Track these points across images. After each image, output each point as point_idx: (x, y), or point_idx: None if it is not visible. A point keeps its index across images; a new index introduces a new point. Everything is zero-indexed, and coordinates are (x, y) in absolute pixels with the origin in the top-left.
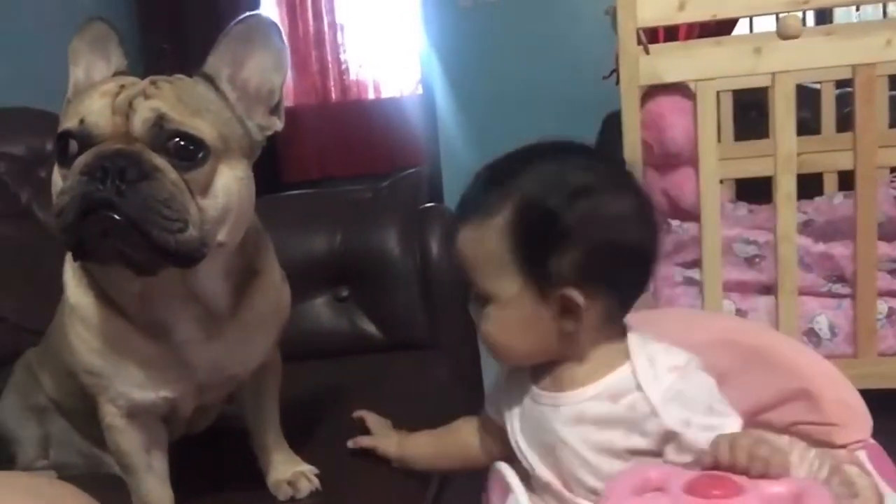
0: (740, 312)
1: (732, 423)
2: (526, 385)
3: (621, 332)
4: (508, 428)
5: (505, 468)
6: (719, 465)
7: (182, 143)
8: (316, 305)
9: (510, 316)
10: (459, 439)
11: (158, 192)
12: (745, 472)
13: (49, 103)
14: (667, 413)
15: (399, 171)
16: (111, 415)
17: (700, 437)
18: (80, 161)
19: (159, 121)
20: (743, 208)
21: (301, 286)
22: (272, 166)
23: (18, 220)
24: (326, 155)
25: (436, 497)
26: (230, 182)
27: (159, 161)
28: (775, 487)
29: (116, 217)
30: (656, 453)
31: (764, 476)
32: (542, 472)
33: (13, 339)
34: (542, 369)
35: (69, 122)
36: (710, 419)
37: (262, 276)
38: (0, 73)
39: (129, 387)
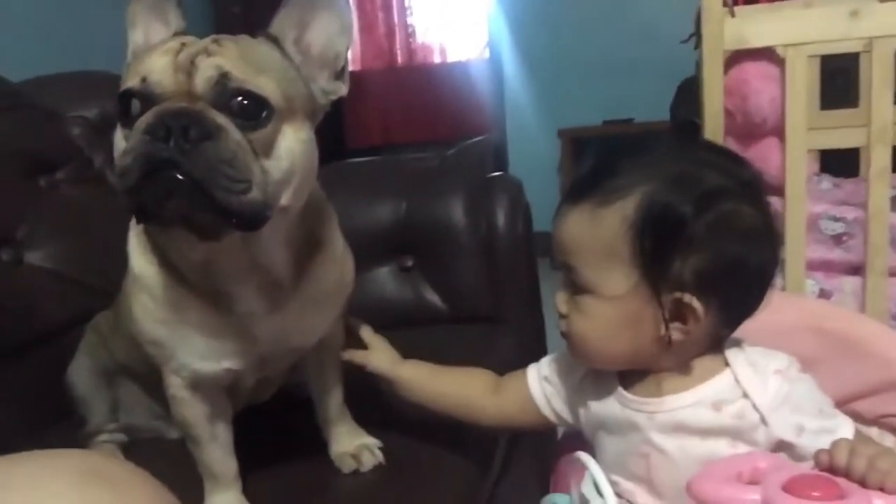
0: (824, 293)
1: (845, 424)
2: (611, 386)
3: (719, 346)
4: (575, 423)
5: (588, 459)
6: (834, 468)
7: (245, 101)
8: (380, 275)
9: (611, 312)
10: (469, 386)
11: (222, 152)
12: (861, 481)
13: (119, 67)
14: (777, 420)
15: (464, 139)
16: (175, 386)
17: (816, 443)
18: (143, 120)
19: (222, 79)
20: (827, 181)
21: (366, 255)
22: (337, 131)
23: (92, 185)
24: (390, 120)
25: (499, 476)
26: (294, 144)
27: (222, 120)
28: (879, 501)
29: (180, 177)
30: None
31: (880, 488)
32: (627, 485)
33: (88, 301)
34: (631, 372)
35: (131, 81)
36: (823, 422)
37: (324, 247)
38: (71, 38)
39: (192, 358)
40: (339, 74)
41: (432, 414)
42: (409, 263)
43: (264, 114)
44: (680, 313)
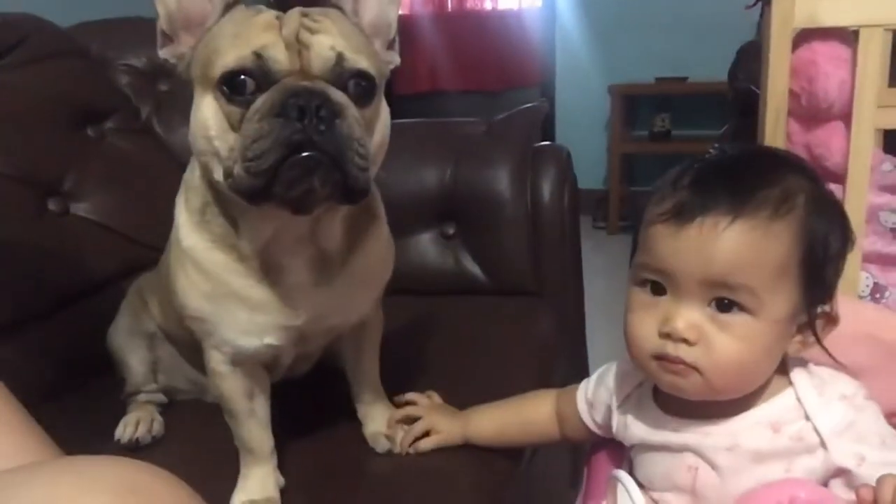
0: (878, 287)
1: None
2: (654, 411)
3: (785, 363)
4: (623, 440)
5: (627, 479)
6: (878, 503)
7: (362, 82)
8: (422, 241)
9: (769, 334)
10: (534, 417)
11: (353, 130)
12: None
13: None
14: (838, 447)
15: (513, 89)
16: (216, 361)
17: (875, 474)
18: (267, 101)
19: (340, 59)
20: (889, 163)
21: (409, 220)
22: None
23: (139, 136)
24: (438, 67)
25: (532, 456)
26: (386, 118)
27: (344, 99)
28: None
29: (318, 158)
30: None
31: None
32: (667, 496)
33: (133, 254)
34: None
35: (235, 59)
36: (887, 454)
37: (376, 221)
38: None
39: (235, 333)
40: (391, 44)
41: (466, 395)
42: (452, 231)
43: (373, 91)
44: (809, 326)
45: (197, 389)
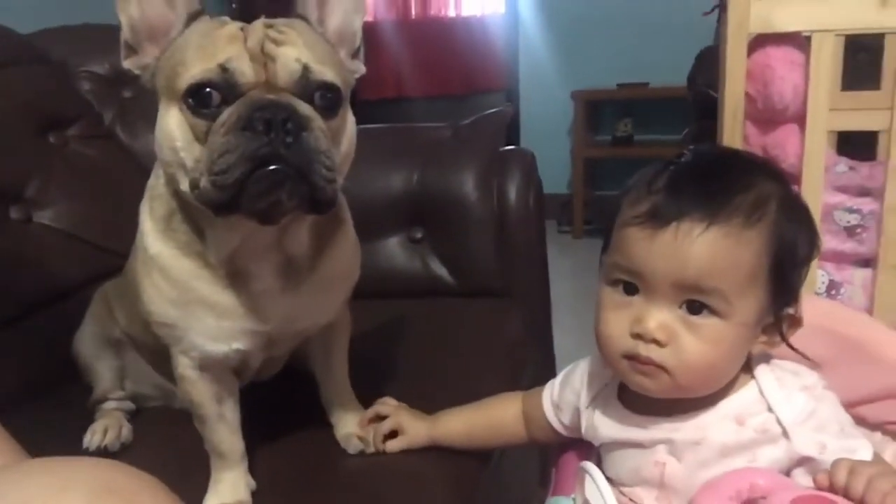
0: (833, 284)
1: (865, 446)
2: (620, 409)
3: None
4: (592, 440)
5: (594, 470)
6: (833, 487)
7: (327, 94)
8: (390, 245)
9: (736, 336)
10: (500, 419)
11: (319, 143)
12: (860, 502)
13: None
14: (800, 437)
15: (477, 94)
16: (184, 366)
17: None
18: (233, 114)
19: (305, 71)
20: (843, 165)
21: (376, 224)
22: None
23: (102, 143)
24: (403, 73)
25: (499, 457)
26: (352, 128)
27: (310, 111)
28: None
29: (286, 171)
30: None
31: None
32: (636, 490)
33: (97, 261)
34: (636, 394)
35: (201, 72)
36: (846, 442)
37: (342, 226)
38: None
39: (203, 338)
40: (355, 53)
41: (433, 396)
42: (419, 235)
43: (338, 103)
44: (775, 328)
45: (165, 396)
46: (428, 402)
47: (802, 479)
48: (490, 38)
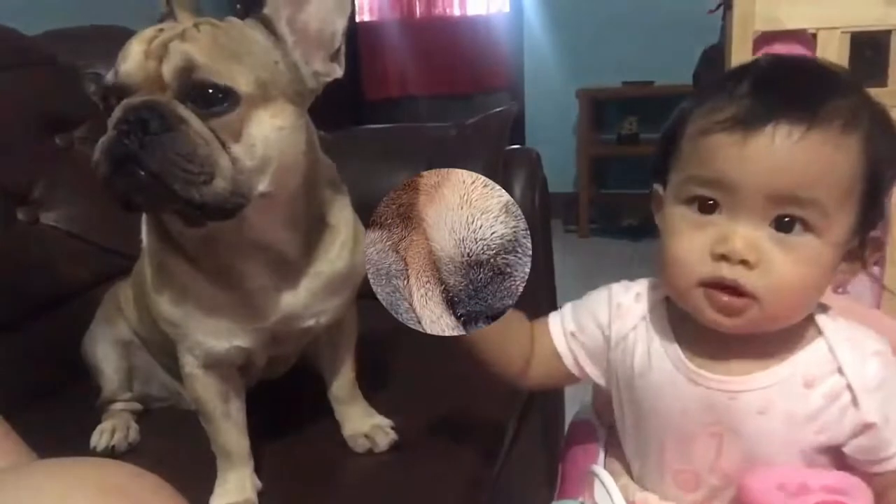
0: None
1: None
2: (671, 355)
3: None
4: (605, 385)
5: (604, 475)
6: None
7: (209, 90)
8: None
9: (830, 257)
10: (517, 334)
11: (180, 145)
12: None
13: (134, 20)
14: (869, 404)
15: (482, 93)
16: (190, 364)
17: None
18: (114, 115)
19: (188, 68)
20: None
21: None
22: (354, 83)
23: None
24: (408, 72)
25: (506, 458)
26: (269, 130)
27: (184, 111)
28: None
29: (141, 171)
30: (839, 446)
31: None
32: (674, 461)
33: (104, 262)
34: (703, 341)
35: (109, 76)
36: None
37: (332, 230)
38: None
39: (204, 336)
40: (334, 56)
41: (441, 396)
42: None
43: (229, 101)
44: (858, 253)
45: (173, 397)
46: (433, 402)
47: (856, 451)
48: (495, 37)
